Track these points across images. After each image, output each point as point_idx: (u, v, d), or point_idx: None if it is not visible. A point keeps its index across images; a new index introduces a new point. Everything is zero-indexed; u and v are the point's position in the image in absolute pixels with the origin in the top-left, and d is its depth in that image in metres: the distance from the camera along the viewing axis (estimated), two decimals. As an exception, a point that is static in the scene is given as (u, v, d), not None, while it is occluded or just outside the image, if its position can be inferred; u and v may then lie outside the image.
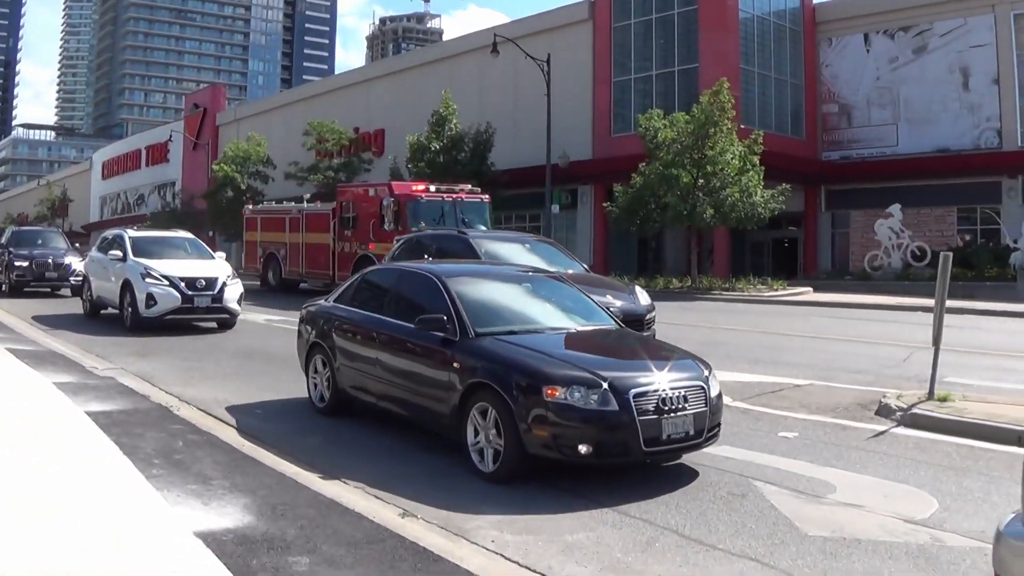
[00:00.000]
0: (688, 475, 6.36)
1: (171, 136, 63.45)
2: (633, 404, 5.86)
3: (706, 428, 6.18)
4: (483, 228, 20.68)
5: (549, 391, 5.88)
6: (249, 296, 18.55)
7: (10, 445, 6.09)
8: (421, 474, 6.42)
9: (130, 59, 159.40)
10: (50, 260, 22.95)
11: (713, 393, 6.32)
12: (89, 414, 7.38)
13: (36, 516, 4.59)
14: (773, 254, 39.04)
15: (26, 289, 22.66)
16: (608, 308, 8.50)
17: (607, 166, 35.05)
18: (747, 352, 12.95)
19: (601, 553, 4.85)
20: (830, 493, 5.99)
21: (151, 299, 14.79)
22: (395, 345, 7.40)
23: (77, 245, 30.30)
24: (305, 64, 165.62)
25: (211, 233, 47.79)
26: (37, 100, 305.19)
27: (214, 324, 15.79)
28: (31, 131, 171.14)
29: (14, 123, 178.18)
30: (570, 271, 12.58)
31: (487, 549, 4.86)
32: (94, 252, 18.04)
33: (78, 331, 14.98)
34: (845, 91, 37.13)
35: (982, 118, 33.50)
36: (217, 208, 46.97)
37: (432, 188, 22.62)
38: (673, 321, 15.88)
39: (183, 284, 14.96)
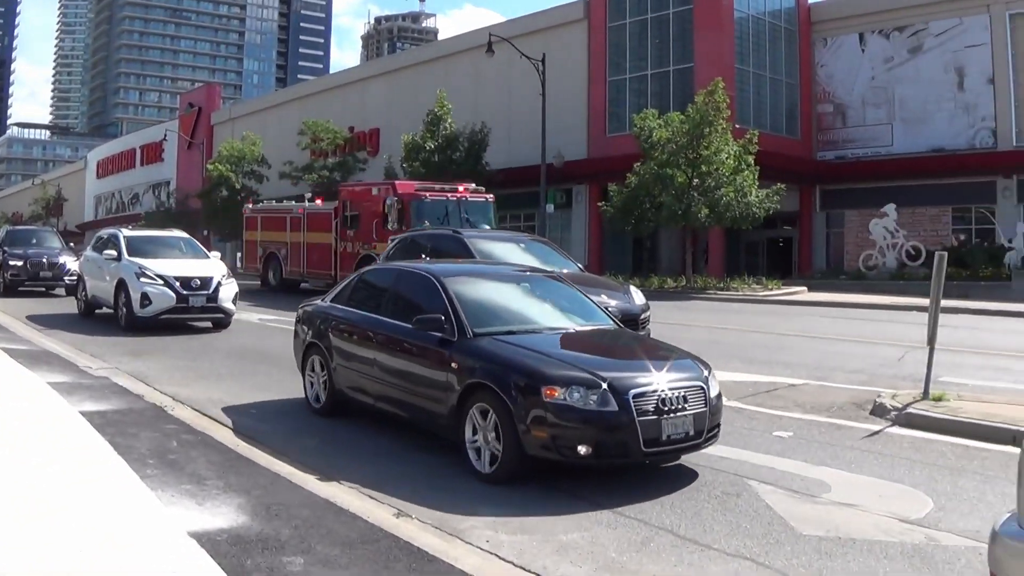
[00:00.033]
0: (684, 475, 6.35)
1: (166, 135, 63.28)
2: (633, 404, 5.83)
3: (706, 428, 6.16)
4: (487, 227, 20.63)
5: (548, 391, 5.85)
6: (246, 296, 18.53)
7: (4, 445, 6.07)
8: (417, 475, 6.41)
9: (125, 58, 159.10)
10: (45, 259, 22.88)
11: (713, 393, 6.30)
12: (84, 414, 7.35)
13: (31, 516, 4.57)
14: (768, 254, 39.06)
15: (20, 289, 22.56)
16: (605, 308, 8.50)
17: (602, 166, 35.10)
18: (742, 351, 12.96)
19: (596, 553, 4.85)
20: (825, 493, 5.99)
21: (146, 299, 14.76)
22: (392, 345, 7.37)
23: (72, 244, 30.23)
24: (300, 63, 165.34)
25: (206, 232, 47.75)
26: (32, 99, 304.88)
27: (209, 324, 15.77)
28: (26, 130, 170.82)
29: (9, 122, 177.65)
30: (565, 270, 12.52)
31: (482, 549, 4.85)
32: (89, 251, 17.99)
33: (73, 331, 14.94)
34: (840, 91, 37.19)
35: (977, 118, 33.58)
36: (212, 207, 46.92)
37: (436, 187, 22.55)
38: (668, 321, 15.90)
39: (178, 284, 14.93)
